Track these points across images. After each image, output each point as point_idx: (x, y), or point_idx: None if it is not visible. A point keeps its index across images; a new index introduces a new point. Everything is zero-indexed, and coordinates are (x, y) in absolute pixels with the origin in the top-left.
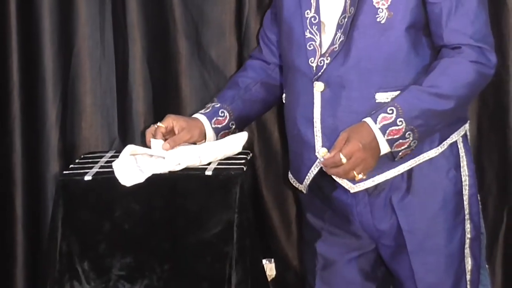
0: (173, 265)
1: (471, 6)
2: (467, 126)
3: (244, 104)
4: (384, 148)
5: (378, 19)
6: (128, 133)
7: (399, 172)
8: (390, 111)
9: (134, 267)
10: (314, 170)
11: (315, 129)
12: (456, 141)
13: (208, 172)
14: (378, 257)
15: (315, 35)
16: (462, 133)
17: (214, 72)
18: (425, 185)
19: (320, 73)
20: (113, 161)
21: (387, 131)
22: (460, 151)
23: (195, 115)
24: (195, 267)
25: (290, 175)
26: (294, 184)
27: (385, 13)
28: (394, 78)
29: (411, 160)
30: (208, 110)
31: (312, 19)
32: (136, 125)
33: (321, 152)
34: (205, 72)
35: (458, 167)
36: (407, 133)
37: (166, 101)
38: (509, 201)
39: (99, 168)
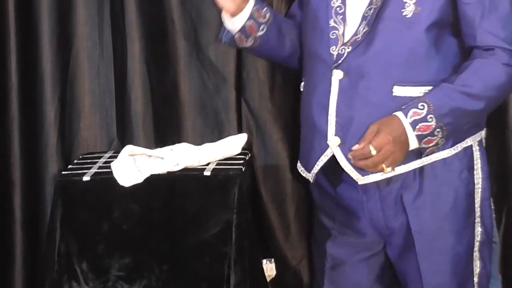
0: (171, 265)
1: (504, 9)
2: (483, 133)
3: (281, 29)
4: (413, 144)
5: (404, 13)
6: (126, 134)
7: (409, 169)
8: (421, 107)
9: (132, 267)
10: (324, 159)
11: (329, 117)
12: (471, 145)
13: (207, 173)
14: (386, 259)
15: (339, 24)
16: (478, 139)
17: (213, 72)
18: (437, 185)
19: (340, 61)
20: (112, 161)
21: (417, 127)
22: (474, 153)
23: None
24: (194, 267)
25: (298, 164)
26: (302, 173)
27: (412, 8)
28: (414, 74)
29: (423, 158)
30: (261, 2)
31: (338, 8)
32: (135, 126)
33: (332, 140)
34: (204, 73)
35: (471, 169)
36: (436, 130)
37: (165, 101)
38: (508, 201)
39: (98, 169)
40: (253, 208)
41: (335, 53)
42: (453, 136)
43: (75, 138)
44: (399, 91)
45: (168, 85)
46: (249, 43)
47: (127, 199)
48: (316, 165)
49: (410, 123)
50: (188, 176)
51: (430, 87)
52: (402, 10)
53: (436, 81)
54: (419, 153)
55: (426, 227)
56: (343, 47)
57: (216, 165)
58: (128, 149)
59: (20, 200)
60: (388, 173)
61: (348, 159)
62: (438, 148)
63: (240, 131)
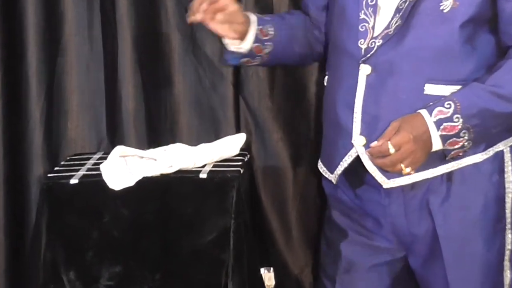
0: (165, 274)
1: None
2: None
3: (288, 37)
4: (437, 144)
5: (441, 7)
6: (117, 134)
7: (439, 173)
8: (448, 106)
9: (123, 276)
10: (348, 159)
11: (355, 115)
12: (502, 149)
13: (203, 175)
14: (405, 268)
15: (370, 17)
16: (510, 144)
17: (210, 68)
18: (466, 188)
19: (369, 55)
20: (101, 163)
21: (442, 126)
22: (505, 155)
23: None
24: (189, 276)
25: (320, 164)
26: (324, 174)
27: (450, 2)
28: (447, 71)
29: (453, 162)
30: (261, 16)
31: (369, 1)
32: (126, 125)
33: (357, 140)
34: (200, 69)
35: (502, 172)
36: (462, 132)
37: (158, 99)
38: None
39: (86, 171)
40: (252, 213)
41: (363, 46)
42: (480, 139)
43: (62, 138)
44: (430, 89)
45: (161, 82)
46: (256, 62)
47: (118, 203)
48: (340, 166)
49: (434, 122)
50: (183, 179)
51: (461, 86)
52: (440, 4)
53: (469, 80)
54: (444, 156)
55: (454, 233)
56: (373, 40)
57: (212, 167)
58: (119, 150)
59: (4, 204)
60: (408, 174)
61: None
62: (464, 151)
63: (238, 130)
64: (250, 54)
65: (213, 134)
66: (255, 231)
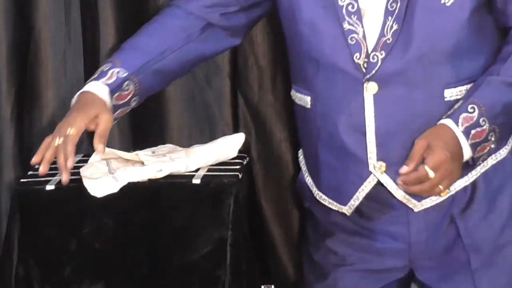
0: None
1: None
2: None
3: (153, 76)
4: (467, 155)
5: (443, 1)
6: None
7: (468, 183)
8: (472, 110)
9: None
10: (365, 188)
11: (368, 139)
12: None
13: (196, 180)
14: (405, 285)
15: (357, 25)
16: None
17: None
18: (491, 189)
19: (373, 71)
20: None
21: (471, 134)
22: None
23: (93, 85)
24: None
25: (321, 195)
26: (330, 206)
27: None
28: (465, 69)
29: (478, 167)
30: (112, 80)
31: (349, 7)
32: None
33: (377, 167)
34: None
35: None
36: (490, 135)
37: None
38: None
39: None
40: (251, 223)
41: (361, 61)
42: (503, 137)
43: (37, 139)
44: (451, 93)
45: None
46: (134, 103)
47: (100, 212)
48: (355, 197)
49: (463, 132)
50: (174, 185)
51: None
52: None
53: (485, 70)
54: (469, 163)
55: (482, 240)
56: (374, 53)
57: (207, 171)
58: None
59: None
60: (446, 194)
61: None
62: (489, 155)
63: (236, 130)
64: (118, 117)
65: (207, 134)
66: (255, 244)
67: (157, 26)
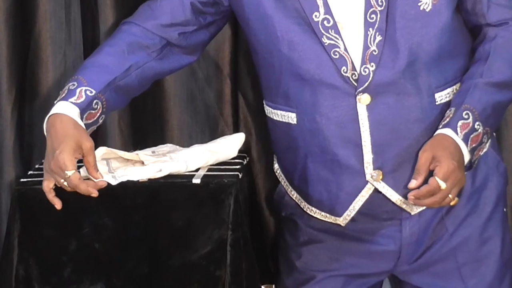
0: None
1: None
2: None
3: (117, 94)
4: (466, 160)
5: (422, 7)
6: (98, 133)
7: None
8: (466, 116)
9: None
10: (362, 198)
11: (364, 149)
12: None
13: (196, 180)
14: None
15: (336, 39)
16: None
17: (204, 59)
18: (476, 185)
19: (366, 84)
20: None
21: (469, 140)
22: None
23: (63, 106)
24: None
25: (312, 209)
26: (322, 219)
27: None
28: (450, 71)
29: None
30: (81, 100)
31: (325, 22)
32: (109, 123)
33: (375, 176)
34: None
35: (500, 154)
36: (484, 137)
37: (145, 94)
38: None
39: None
40: (251, 223)
41: (349, 74)
42: (492, 134)
43: (37, 138)
44: (441, 96)
45: None
46: (99, 123)
47: (100, 212)
48: (352, 207)
49: (463, 139)
50: (174, 185)
51: None
52: (419, 4)
53: (467, 69)
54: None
55: (469, 235)
56: (364, 66)
57: (207, 171)
58: (101, 151)
59: None
60: (456, 203)
61: (398, 191)
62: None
63: (236, 130)
64: (90, 132)
65: (208, 134)
66: (255, 244)
67: (118, 43)
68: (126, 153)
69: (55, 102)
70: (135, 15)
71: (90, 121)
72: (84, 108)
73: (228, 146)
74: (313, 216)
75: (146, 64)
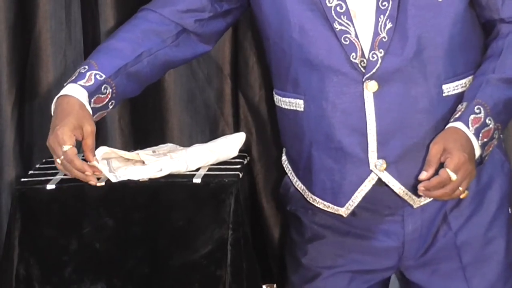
0: None
1: None
2: None
3: (128, 80)
4: (477, 154)
5: None
6: (100, 133)
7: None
8: (478, 110)
9: None
10: (365, 188)
11: (369, 138)
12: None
13: (197, 180)
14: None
15: (348, 26)
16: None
17: (204, 59)
18: (481, 184)
19: (374, 70)
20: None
21: (481, 134)
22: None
23: (71, 88)
24: None
25: (315, 199)
26: (325, 209)
27: None
28: (460, 63)
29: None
30: (90, 83)
31: (338, 8)
32: (110, 123)
33: (379, 165)
34: (193, 60)
35: (506, 155)
36: (494, 133)
37: (146, 94)
38: None
39: (64, 175)
40: (252, 223)
41: (358, 61)
42: (502, 132)
43: (37, 138)
44: (449, 88)
45: None
46: (109, 109)
47: (100, 211)
48: (354, 197)
49: (474, 133)
50: (174, 184)
51: (474, 74)
52: None
53: (478, 64)
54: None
55: (473, 235)
56: (373, 52)
57: (207, 170)
58: (102, 151)
59: None
60: (466, 196)
61: (401, 181)
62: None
63: (237, 129)
64: (99, 117)
65: (208, 133)
66: (256, 244)
67: (133, 29)
68: (126, 152)
69: (64, 84)
70: (152, 2)
71: (99, 105)
72: (93, 92)
73: (228, 146)
74: (316, 210)
75: (160, 51)
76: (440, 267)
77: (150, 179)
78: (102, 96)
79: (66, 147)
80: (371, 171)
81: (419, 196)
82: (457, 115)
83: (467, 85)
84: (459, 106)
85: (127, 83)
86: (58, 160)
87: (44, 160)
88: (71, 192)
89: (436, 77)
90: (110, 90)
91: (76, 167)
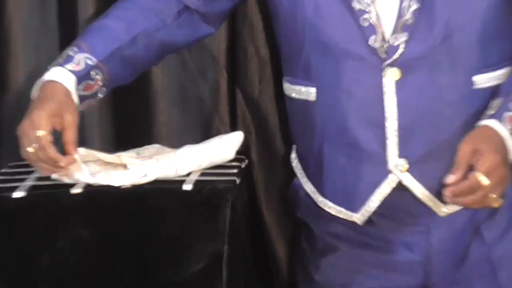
0: None
1: None
2: None
3: (122, 65)
4: (510, 156)
5: None
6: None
7: None
8: None
9: None
10: (383, 191)
11: (388, 133)
12: None
13: (187, 186)
14: None
15: (369, 5)
16: None
17: (196, 49)
18: None
19: (396, 56)
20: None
21: None
22: None
23: (58, 72)
24: None
25: (326, 203)
26: (337, 215)
27: None
28: (493, 54)
29: None
30: (79, 68)
31: None
32: (89, 122)
33: (399, 165)
34: (184, 49)
35: None
36: None
37: (130, 88)
38: None
39: (35, 181)
40: (251, 235)
41: (377, 45)
42: None
43: (4, 139)
44: (480, 80)
45: None
46: (98, 98)
47: (77, 222)
48: (371, 201)
49: (510, 133)
50: (161, 191)
51: (509, 67)
52: None
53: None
54: None
55: (510, 248)
56: (395, 35)
57: (200, 175)
58: (78, 153)
59: None
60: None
61: (425, 185)
62: None
63: (233, 129)
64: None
65: (200, 133)
66: (255, 260)
67: (128, 6)
68: (106, 155)
69: (48, 67)
70: None
71: (88, 92)
72: (81, 78)
73: (224, 147)
74: (328, 219)
75: (158, 31)
76: (474, 285)
77: (133, 185)
78: (92, 82)
79: (40, 132)
80: (390, 172)
81: (445, 202)
82: (490, 112)
83: (503, 78)
84: (493, 102)
85: (121, 69)
86: (29, 149)
87: (10, 164)
88: (43, 200)
89: (466, 66)
90: (102, 76)
91: (49, 155)
